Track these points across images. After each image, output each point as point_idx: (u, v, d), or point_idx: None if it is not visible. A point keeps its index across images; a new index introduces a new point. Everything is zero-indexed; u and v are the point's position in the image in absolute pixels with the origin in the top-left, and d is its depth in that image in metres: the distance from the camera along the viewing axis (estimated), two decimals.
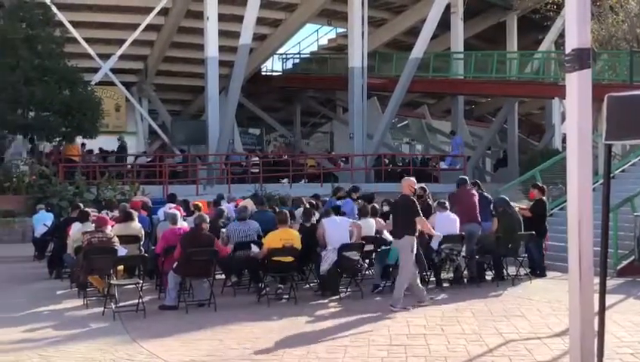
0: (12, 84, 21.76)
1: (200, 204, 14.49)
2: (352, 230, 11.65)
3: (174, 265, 10.48)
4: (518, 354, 7.59)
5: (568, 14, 4.82)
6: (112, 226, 12.10)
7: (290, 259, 11.00)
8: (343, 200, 15.37)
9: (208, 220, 11.26)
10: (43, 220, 16.47)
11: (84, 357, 7.76)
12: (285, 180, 25.54)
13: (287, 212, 12.22)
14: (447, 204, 12.61)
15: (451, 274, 12.62)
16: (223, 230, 12.40)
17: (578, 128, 4.80)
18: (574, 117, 4.82)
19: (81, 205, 15.19)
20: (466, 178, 14.08)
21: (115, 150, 28.55)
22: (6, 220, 20.37)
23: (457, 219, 12.29)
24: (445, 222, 12.11)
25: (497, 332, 8.53)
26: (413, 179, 11.25)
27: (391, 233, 11.26)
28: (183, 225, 11.80)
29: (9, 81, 21.80)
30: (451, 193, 13.84)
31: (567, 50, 4.79)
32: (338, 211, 12.43)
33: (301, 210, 13.44)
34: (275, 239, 11.01)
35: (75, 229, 12.19)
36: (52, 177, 21.77)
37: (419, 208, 10.57)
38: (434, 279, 12.36)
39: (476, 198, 12.95)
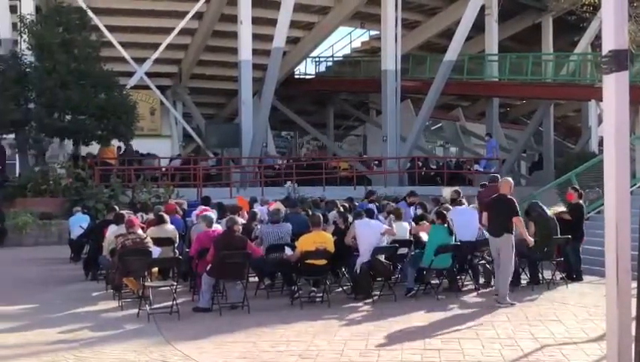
0: (49, 88, 22.09)
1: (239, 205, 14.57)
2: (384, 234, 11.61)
3: (208, 268, 10.53)
4: (554, 359, 7.50)
5: (605, 15, 4.76)
6: (146, 229, 12.20)
7: (323, 261, 10.99)
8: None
9: (240, 222, 11.30)
10: (79, 222, 16.66)
11: (118, 359, 7.82)
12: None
13: (321, 215, 12.21)
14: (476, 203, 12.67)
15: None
16: (257, 231, 12.45)
17: (615, 131, 4.74)
18: (611, 119, 4.75)
19: (117, 208, 15.38)
20: (498, 176, 14.02)
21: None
22: (43, 222, 20.66)
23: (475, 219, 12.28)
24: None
25: (532, 337, 8.44)
26: (510, 179, 11.60)
27: (488, 231, 11.33)
28: (217, 227, 11.85)
29: (46, 85, 22.12)
30: (478, 191, 13.83)
31: (604, 52, 4.72)
32: (371, 214, 12.38)
33: (334, 213, 13.43)
34: (309, 242, 11.00)
35: (111, 231, 12.30)
36: (88, 180, 22.05)
37: (517, 207, 10.92)
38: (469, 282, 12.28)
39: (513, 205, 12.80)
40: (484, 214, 11.52)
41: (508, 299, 10.61)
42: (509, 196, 11.03)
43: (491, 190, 13.17)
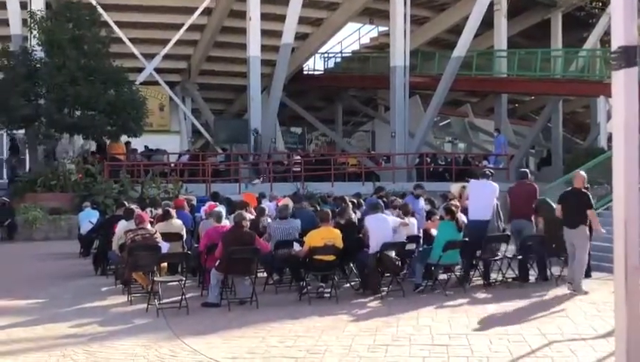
0: (59, 84, 22.16)
1: (246, 201, 14.59)
2: (399, 228, 11.63)
3: (216, 263, 10.57)
4: (562, 355, 7.50)
5: (614, 11, 4.75)
6: (154, 224, 12.24)
7: (332, 257, 11.01)
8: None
9: (248, 217, 11.32)
10: (88, 217, 16.73)
11: (127, 353, 7.86)
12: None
13: (329, 211, 12.22)
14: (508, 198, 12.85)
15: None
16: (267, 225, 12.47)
17: (624, 127, 4.73)
18: (621, 115, 4.74)
19: (126, 203, 15.44)
20: (527, 171, 14.13)
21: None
22: (53, 217, 20.77)
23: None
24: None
25: (540, 333, 8.44)
26: (583, 173, 12.04)
27: (564, 223, 11.47)
28: (226, 223, 11.87)
29: (56, 81, 22.20)
30: (510, 187, 13.89)
31: (614, 48, 4.72)
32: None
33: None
34: (317, 238, 11.02)
35: (121, 227, 12.35)
36: (97, 175, 22.14)
37: (591, 200, 11.40)
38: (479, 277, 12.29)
39: (536, 193, 13.05)
40: (558, 207, 11.66)
41: (583, 287, 11.04)
42: (583, 189, 11.44)
43: (522, 187, 13.16)
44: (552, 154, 34.59)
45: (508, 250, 12.47)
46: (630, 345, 4.78)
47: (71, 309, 10.55)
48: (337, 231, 11.26)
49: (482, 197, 12.50)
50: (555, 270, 12.50)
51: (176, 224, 12.51)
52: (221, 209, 12.49)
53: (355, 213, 12.84)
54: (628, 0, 4.66)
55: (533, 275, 12.60)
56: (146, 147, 28.53)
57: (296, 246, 11.53)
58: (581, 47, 31.66)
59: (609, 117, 24.85)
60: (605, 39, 29.63)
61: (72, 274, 14.03)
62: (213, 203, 14.69)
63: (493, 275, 12.45)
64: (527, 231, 12.61)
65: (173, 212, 12.85)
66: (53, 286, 12.69)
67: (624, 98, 4.71)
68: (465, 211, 12.62)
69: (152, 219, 12.74)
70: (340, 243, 11.01)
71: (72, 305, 10.82)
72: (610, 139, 23.42)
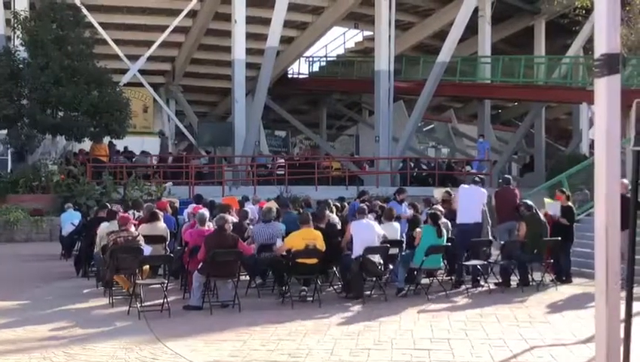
0: (42, 85, 22.03)
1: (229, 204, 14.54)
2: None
3: (199, 266, 10.54)
4: (543, 360, 7.54)
5: (597, 19, 4.79)
6: (138, 226, 12.20)
7: (314, 260, 11.00)
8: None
9: (230, 220, 11.30)
10: (70, 219, 16.63)
11: (108, 356, 7.82)
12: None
13: (309, 213, 12.20)
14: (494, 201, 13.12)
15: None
16: (249, 230, 12.45)
17: (606, 134, 4.76)
18: (603, 122, 4.78)
19: (108, 205, 15.37)
20: (510, 178, 14.55)
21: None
22: (34, 219, 20.63)
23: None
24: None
25: (522, 338, 8.48)
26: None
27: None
28: (210, 226, 11.84)
29: (39, 82, 22.06)
30: (497, 191, 14.29)
31: (596, 55, 4.75)
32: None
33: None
34: (297, 239, 11.03)
35: (103, 228, 12.29)
36: (80, 177, 22.01)
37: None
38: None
39: (517, 198, 13.65)
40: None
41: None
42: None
43: (508, 191, 13.83)
44: (534, 160, 34.77)
45: (491, 254, 12.56)
46: (610, 351, 4.81)
47: (52, 311, 10.48)
48: (318, 233, 11.26)
49: (471, 202, 12.80)
50: (537, 275, 12.58)
51: (161, 227, 12.47)
52: (205, 211, 12.45)
53: (337, 216, 12.83)
54: (611, 8, 4.69)
55: (515, 280, 12.66)
56: (125, 148, 28.38)
57: (279, 242, 11.55)
58: (564, 54, 31.86)
59: (591, 124, 25.02)
60: (588, 47, 29.80)
61: (54, 276, 13.94)
62: (197, 205, 14.65)
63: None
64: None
65: (160, 214, 12.80)
66: (34, 287, 12.59)
67: (606, 105, 4.74)
68: (454, 215, 12.85)
69: (135, 221, 12.69)
70: (321, 245, 11.00)
71: (53, 307, 10.75)
72: (592, 145, 23.60)
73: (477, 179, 14.02)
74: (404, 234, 12.63)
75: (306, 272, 11.12)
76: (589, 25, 28.26)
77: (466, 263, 12.27)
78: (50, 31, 22.94)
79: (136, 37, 30.46)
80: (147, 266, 11.25)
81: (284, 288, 11.22)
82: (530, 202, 13.19)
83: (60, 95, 22.01)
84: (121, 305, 10.58)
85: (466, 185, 13.84)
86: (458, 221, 12.74)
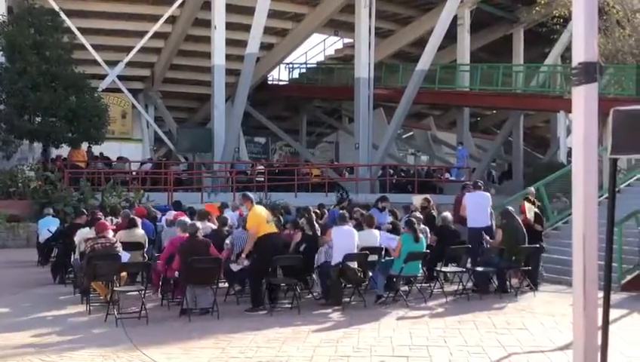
0: (20, 90, 21.87)
1: (208, 210, 14.48)
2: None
3: (176, 274, 10.53)
4: None
5: (575, 28, 4.82)
6: (116, 233, 12.12)
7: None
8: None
9: (202, 227, 11.25)
10: (48, 225, 16.48)
11: None
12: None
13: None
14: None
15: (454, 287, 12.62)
16: (227, 240, 12.37)
17: (584, 142, 4.80)
18: (580, 130, 4.81)
19: (85, 211, 15.26)
20: (481, 182, 14.69)
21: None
22: (11, 225, 20.42)
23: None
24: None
25: (500, 345, 8.51)
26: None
27: None
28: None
29: (17, 87, 21.90)
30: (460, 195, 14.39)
31: (574, 64, 4.78)
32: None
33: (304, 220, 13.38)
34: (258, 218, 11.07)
35: (80, 234, 12.20)
36: (57, 183, 21.84)
37: None
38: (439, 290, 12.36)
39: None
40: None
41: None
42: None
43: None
44: (512, 167, 34.99)
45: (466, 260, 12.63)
46: (587, 357, 4.83)
47: (29, 318, 10.38)
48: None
49: (479, 207, 13.31)
50: (514, 282, 12.64)
51: (139, 233, 12.40)
52: (186, 218, 12.40)
53: (317, 223, 12.82)
54: (589, 17, 4.73)
55: (493, 287, 12.71)
56: (101, 153, 28.21)
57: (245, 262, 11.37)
58: (542, 62, 32.14)
59: (569, 132, 25.23)
60: (566, 55, 30.10)
61: (31, 283, 13.81)
62: (177, 212, 14.60)
63: (453, 287, 12.56)
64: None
65: (138, 221, 12.73)
66: (10, 294, 12.47)
67: (584, 113, 4.77)
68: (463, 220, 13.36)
69: (113, 227, 12.61)
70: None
71: (29, 314, 10.65)
72: (569, 153, 23.78)
73: (479, 183, 14.26)
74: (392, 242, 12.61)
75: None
76: (567, 34, 28.55)
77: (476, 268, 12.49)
78: (28, 36, 22.79)
79: (115, 42, 30.34)
80: (124, 273, 11.17)
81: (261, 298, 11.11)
82: (510, 208, 13.26)
83: (37, 100, 21.87)
84: (99, 312, 10.51)
85: (471, 192, 13.97)
86: (469, 226, 13.18)
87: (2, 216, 20.57)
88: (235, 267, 11.39)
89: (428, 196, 15.93)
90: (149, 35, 28.32)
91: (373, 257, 11.83)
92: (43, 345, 8.63)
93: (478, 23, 33.10)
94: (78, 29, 26.85)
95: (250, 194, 11.70)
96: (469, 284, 12.46)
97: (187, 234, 11.09)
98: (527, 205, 13.76)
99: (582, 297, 4.83)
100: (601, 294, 4.93)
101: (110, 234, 11.46)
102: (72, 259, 12.89)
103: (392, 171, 30.83)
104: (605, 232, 4.95)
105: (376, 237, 12.21)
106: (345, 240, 11.28)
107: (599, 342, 4.95)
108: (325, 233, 12.31)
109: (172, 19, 29.51)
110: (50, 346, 8.59)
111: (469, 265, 12.80)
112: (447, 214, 13.96)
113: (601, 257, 4.92)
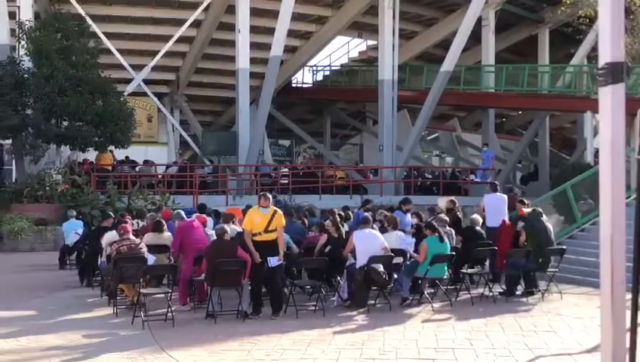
0: (47, 94, 22.08)
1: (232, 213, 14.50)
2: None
3: (203, 276, 10.57)
4: None
5: (601, 28, 4.78)
6: (142, 235, 12.19)
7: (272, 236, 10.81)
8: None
9: (230, 230, 11.26)
10: (74, 228, 16.63)
11: None
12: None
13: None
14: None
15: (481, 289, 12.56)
16: None
17: (611, 142, 4.76)
18: (607, 131, 4.78)
19: (112, 214, 15.38)
20: (512, 187, 15.36)
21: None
22: (38, 228, 20.64)
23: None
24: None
25: (527, 348, 8.45)
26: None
27: None
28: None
29: (44, 92, 22.12)
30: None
31: (600, 64, 4.75)
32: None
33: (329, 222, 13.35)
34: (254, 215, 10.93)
35: (107, 238, 12.29)
36: (84, 186, 22.04)
37: None
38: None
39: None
40: None
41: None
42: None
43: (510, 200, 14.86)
44: (538, 169, 34.71)
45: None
46: (616, 360, 4.79)
47: (56, 321, 10.48)
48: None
49: (496, 207, 14.32)
50: (542, 284, 12.54)
51: (166, 236, 12.46)
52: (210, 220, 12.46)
53: (342, 225, 12.80)
54: (615, 17, 4.70)
55: (519, 290, 12.61)
56: (126, 157, 28.42)
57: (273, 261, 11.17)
58: (568, 62, 31.85)
59: (596, 132, 24.97)
60: (592, 55, 29.81)
61: (58, 286, 13.94)
62: (201, 215, 14.63)
63: (479, 289, 12.49)
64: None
65: (165, 225, 12.79)
66: (38, 297, 12.60)
67: (611, 114, 4.74)
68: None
69: (133, 227, 12.69)
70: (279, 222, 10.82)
71: (57, 317, 10.75)
72: (596, 154, 23.54)
73: (496, 185, 15.45)
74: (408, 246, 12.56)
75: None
76: (593, 34, 28.24)
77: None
78: (54, 41, 23.00)
79: (140, 47, 30.54)
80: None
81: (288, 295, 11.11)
82: (539, 209, 13.17)
83: (64, 105, 22.07)
84: (126, 314, 10.58)
85: (490, 194, 14.91)
86: (487, 225, 13.89)
87: (30, 219, 20.80)
88: (273, 261, 11.10)
89: (453, 198, 15.87)
90: (174, 39, 28.47)
91: (398, 259, 11.80)
92: (70, 348, 8.70)
93: (503, 24, 32.89)
94: (104, 33, 27.07)
95: (268, 194, 11.52)
96: (495, 286, 12.40)
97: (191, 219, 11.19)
98: (525, 210, 13.70)
99: (609, 299, 4.79)
100: (629, 296, 4.88)
101: (131, 235, 11.52)
102: (99, 262, 13.00)
103: (416, 173, 30.74)
104: (633, 233, 4.90)
105: (402, 239, 12.17)
106: (367, 243, 11.23)
107: (627, 344, 4.91)
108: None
109: (197, 24, 29.64)
110: (77, 348, 8.66)
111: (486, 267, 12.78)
112: (476, 216, 13.91)
113: (628, 258, 4.87)
